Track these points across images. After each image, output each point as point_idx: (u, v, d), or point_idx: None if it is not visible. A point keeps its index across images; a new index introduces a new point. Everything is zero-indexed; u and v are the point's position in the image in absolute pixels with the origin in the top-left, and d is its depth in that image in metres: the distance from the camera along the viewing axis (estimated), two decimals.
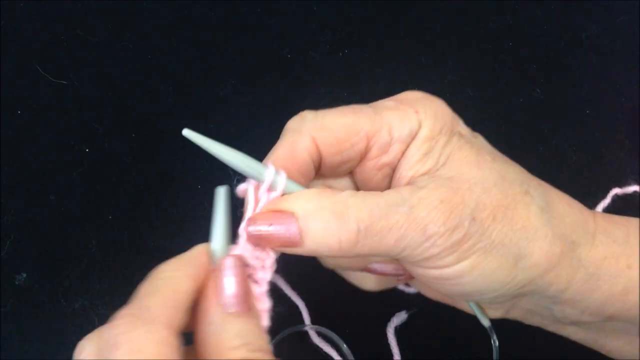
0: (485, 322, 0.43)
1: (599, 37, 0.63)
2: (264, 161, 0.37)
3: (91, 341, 0.30)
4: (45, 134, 0.57)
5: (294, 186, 0.36)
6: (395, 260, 0.39)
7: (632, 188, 0.57)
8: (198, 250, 0.34)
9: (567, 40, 0.63)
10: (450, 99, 0.60)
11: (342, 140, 0.37)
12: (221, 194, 0.35)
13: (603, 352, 0.42)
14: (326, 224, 0.33)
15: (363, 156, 0.37)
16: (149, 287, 0.31)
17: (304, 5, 0.63)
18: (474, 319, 0.44)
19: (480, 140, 0.39)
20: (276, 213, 0.34)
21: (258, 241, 0.34)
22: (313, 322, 0.48)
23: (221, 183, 0.56)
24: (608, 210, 0.56)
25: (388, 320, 0.49)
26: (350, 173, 0.40)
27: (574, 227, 0.37)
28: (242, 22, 0.62)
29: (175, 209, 0.55)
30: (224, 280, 0.32)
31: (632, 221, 0.40)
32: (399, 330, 0.49)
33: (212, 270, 0.33)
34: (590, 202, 0.56)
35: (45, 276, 0.52)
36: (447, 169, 0.36)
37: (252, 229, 0.34)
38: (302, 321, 0.48)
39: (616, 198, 0.57)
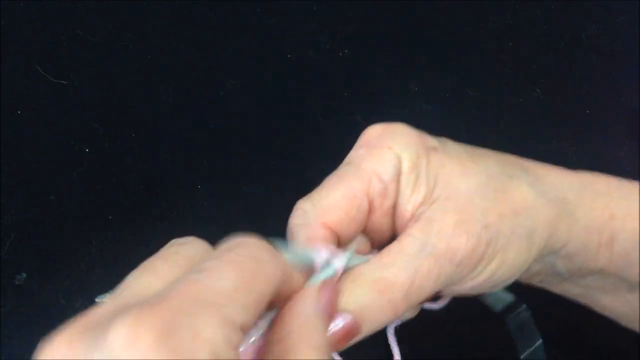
0: (509, 297, 0.45)
1: (599, 37, 0.63)
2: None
3: None
4: (45, 134, 0.57)
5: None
6: None
7: None
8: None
9: (567, 40, 0.63)
10: (450, 99, 0.60)
11: (349, 211, 0.37)
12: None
13: (597, 308, 0.45)
14: (379, 307, 0.35)
15: (369, 211, 0.38)
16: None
17: (304, 5, 0.63)
18: (473, 318, 0.44)
19: (450, 145, 0.40)
20: (334, 317, 0.35)
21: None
22: None
23: (221, 184, 0.56)
24: None
25: None
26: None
27: (561, 187, 0.40)
28: (242, 22, 0.62)
29: (175, 209, 0.55)
30: (330, 288, 0.34)
31: (613, 178, 0.43)
32: (399, 330, 0.49)
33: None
34: None
35: (45, 276, 0.52)
36: (441, 189, 0.37)
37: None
38: None
39: None
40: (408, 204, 0.37)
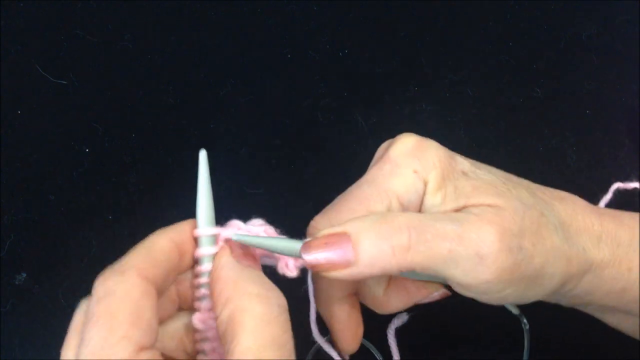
0: (515, 311, 0.45)
1: (599, 37, 0.63)
2: None
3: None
4: (45, 134, 0.57)
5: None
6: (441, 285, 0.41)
7: (633, 184, 0.57)
8: (184, 223, 0.37)
9: (567, 40, 0.63)
10: (450, 99, 0.60)
11: None
12: (202, 162, 0.37)
13: (603, 321, 0.45)
14: (378, 233, 0.34)
15: None
16: (131, 249, 0.34)
17: (304, 5, 0.63)
18: (473, 320, 0.44)
19: (484, 170, 0.39)
20: (330, 236, 0.35)
21: (313, 268, 0.35)
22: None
23: (220, 184, 0.56)
24: (610, 205, 0.56)
25: (388, 321, 0.49)
26: None
27: (581, 235, 0.39)
28: (242, 22, 0.62)
29: (175, 209, 0.55)
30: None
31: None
32: (399, 331, 0.49)
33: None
34: (590, 202, 0.56)
35: (45, 276, 0.52)
36: (471, 209, 0.36)
37: (308, 257, 0.35)
38: (307, 317, 0.48)
39: (617, 193, 0.57)
40: (439, 208, 0.37)
